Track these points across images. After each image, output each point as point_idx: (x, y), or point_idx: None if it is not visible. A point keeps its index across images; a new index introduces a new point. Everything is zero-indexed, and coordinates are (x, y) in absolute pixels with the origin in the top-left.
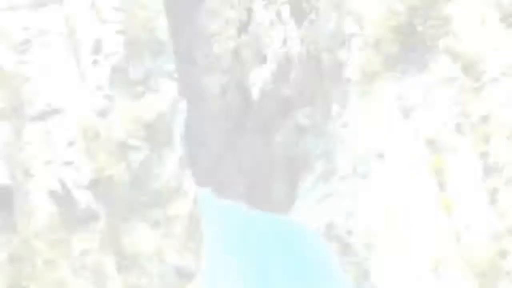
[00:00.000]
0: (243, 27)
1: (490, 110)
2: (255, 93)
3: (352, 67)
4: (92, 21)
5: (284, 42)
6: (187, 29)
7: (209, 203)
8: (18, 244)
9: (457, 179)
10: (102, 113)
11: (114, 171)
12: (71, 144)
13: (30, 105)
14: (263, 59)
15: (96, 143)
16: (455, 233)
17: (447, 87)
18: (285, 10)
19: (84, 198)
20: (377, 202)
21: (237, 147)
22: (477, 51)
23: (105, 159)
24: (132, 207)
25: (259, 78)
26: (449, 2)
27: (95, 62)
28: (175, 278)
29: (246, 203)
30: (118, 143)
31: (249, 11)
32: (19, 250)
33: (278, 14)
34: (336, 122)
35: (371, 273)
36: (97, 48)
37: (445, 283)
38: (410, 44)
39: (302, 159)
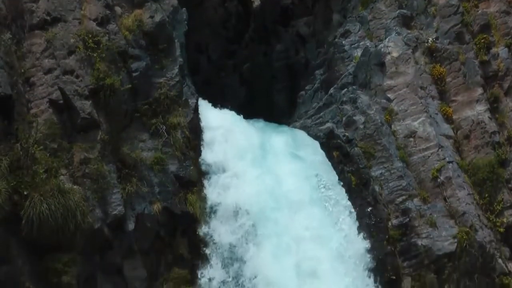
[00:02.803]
0: None
1: (490, 19)
2: (255, 2)
3: None
4: None
5: None
6: None
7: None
8: (19, 152)
9: (457, 88)
10: (102, 22)
11: (115, 80)
12: (71, 53)
13: (31, 14)
14: None
15: (96, 52)
16: (455, 141)
17: None
18: None
19: (84, 107)
20: (376, 109)
21: (237, 57)
22: None
23: (105, 68)
24: (132, 116)
25: None
26: None
27: None
28: (175, 187)
29: (246, 112)
30: (119, 52)
31: None
32: (19, 158)
33: None
34: (336, 31)
35: (371, 181)
36: None
37: (444, 190)
38: None
39: (302, 68)
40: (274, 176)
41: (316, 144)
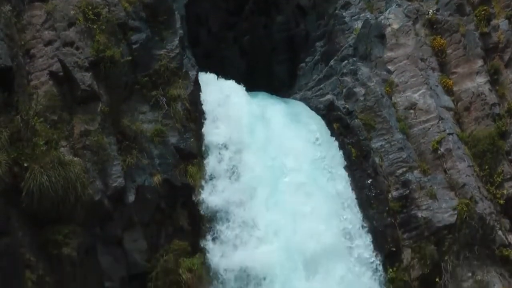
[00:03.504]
0: None
1: None
2: None
3: None
4: None
5: None
6: None
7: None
8: (19, 124)
9: (457, 60)
10: None
11: (115, 52)
12: (71, 25)
13: None
14: None
15: (96, 24)
16: (455, 113)
17: None
18: None
19: (84, 79)
20: (377, 81)
21: (237, 29)
22: None
23: (105, 40)
24: (133, 88)
25: None
26: None
27: None
28: (175, 159)
29: (247, 84)
30: (119, 24)
31: None
32: (20, 130)
33: None
34: (336, 3)
35: (371, 153)
36: None
37: (444, 162)
38: None
39: (302, 40)
40: (291, 221)
41: (339, 162)
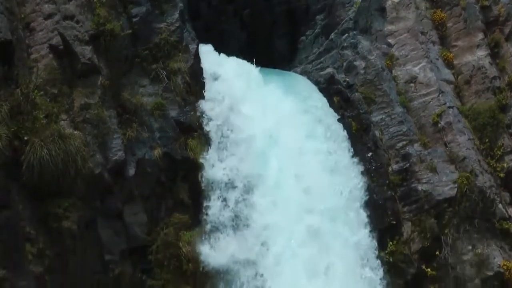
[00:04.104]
0: None
1: None
2: None
3: None
4: None
5: None
6: None
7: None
8: (19, 98)
9: (458, 33)
10: None
11: (115, 26)
12: None
13: None
14: None
15: None
16: (455, 87)
17: None
18: None
19: (84, 52)
20: (377, 54)
21: (237, 2)
22: None
23: (105, 13)
24: (133, 61)
25: None
26: None
27: None
28: (176, 132)
29: (247, 58)
30: None
31: None
32: (20, 104)
33: None
34: None
35: (372, 126)
36: None
37: (444, 135)
38: None
39: (303, 13)
40: (304, 282)
41: (358, 197)
